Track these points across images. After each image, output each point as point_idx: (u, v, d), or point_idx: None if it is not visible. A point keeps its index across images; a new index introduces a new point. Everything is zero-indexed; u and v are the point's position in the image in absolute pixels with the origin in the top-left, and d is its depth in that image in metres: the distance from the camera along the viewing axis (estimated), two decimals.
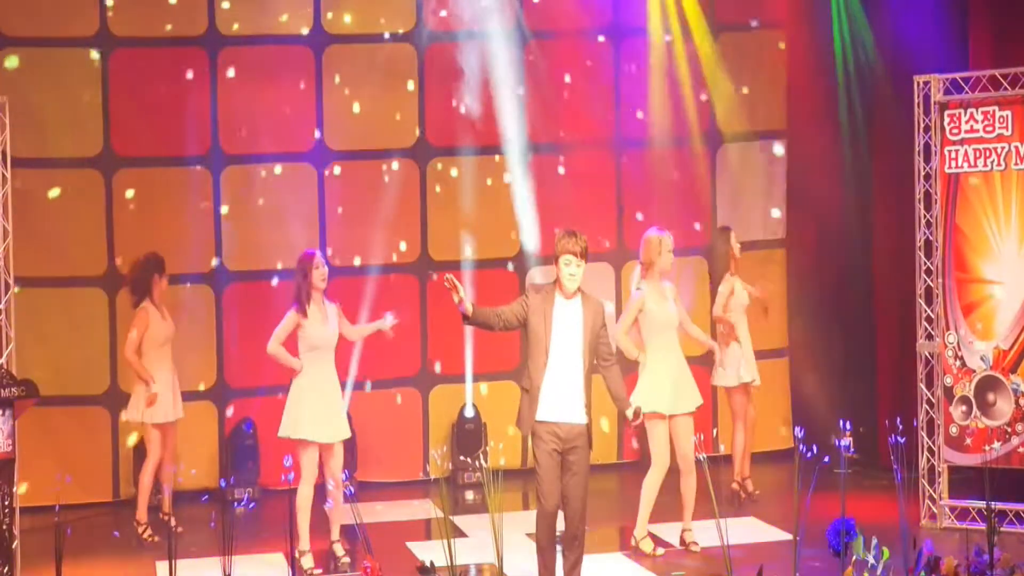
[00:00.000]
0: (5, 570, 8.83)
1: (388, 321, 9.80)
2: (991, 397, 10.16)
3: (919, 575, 8.21)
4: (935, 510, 10.37)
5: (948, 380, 10.33)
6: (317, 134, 12.46)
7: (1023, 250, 10.07)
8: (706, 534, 9.61)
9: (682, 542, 9.93)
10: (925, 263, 10.48)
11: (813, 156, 12.83)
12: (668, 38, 12.91)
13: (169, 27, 12.09)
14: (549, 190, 12.72)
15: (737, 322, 11.29)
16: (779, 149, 13.21)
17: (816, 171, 12.78)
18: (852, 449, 8.51)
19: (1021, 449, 10.00)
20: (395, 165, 12.59)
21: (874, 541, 8.15)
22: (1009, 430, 10.05)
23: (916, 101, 10.48)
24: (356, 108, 12.53)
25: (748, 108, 13.12)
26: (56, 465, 11.31)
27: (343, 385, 9.83)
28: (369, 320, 10.86)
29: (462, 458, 12.33)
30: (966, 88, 10.32)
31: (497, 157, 12.71)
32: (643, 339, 9.85)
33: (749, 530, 10.27)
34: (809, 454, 8.11)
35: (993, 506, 8.72)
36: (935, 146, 10.42)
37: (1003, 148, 10.15)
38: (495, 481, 8.40)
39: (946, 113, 10.36)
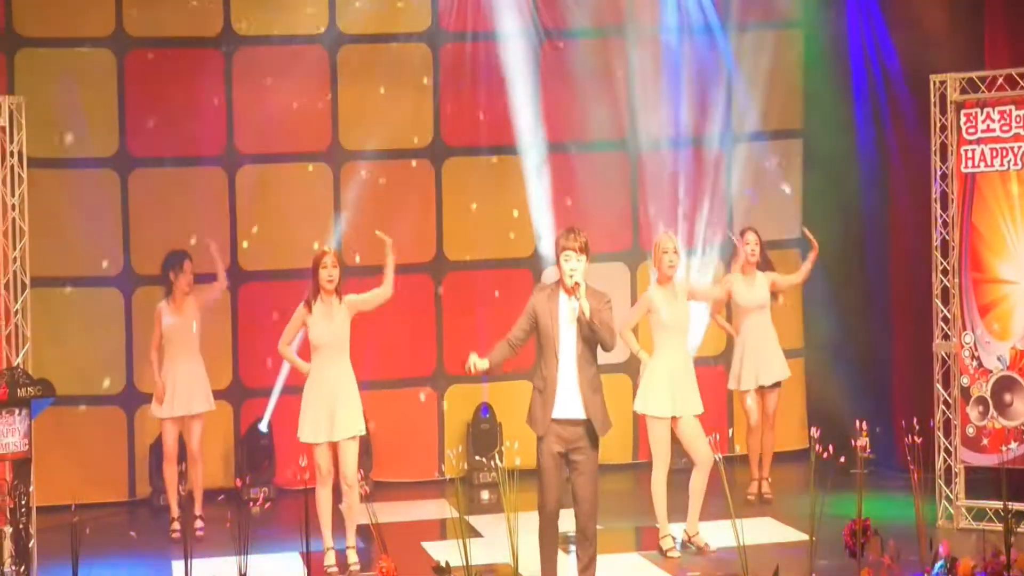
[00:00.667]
0: (22, 569, 8.86)
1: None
2: (1008, 397, 10.13)
3: None
4: (952, 511, 10.34)
5: (965, 380, 10.30)
6: (332, 134, 12.46)
7: None
8: (722, 534, 9.59)
9: (687, 542, 9.90)
10: (942, 263, 10.46)
11: (829, 156, 12.81)
12: (684, 37, 12.90)
13: (180, 27, 12.13)
14: (564, 190, 12.71)
15: (748, 322, 11.28)
16: (795, 148, 13.19)
17: (832, 171, 12.76)
18: (868, 449, 8.47)
19: None
20: (413, 163, 12.60)
21: (890, 542, 8.12)
22: None
23: (932, 100, 10.45)
24: (371, 108, 12.53)
25: (764, 107, 13.10)
26: (72, 465, 11.36)
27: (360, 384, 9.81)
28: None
29: (477, 458, 12.33)
30: (983, 87, 10.29)
31: (512, 157, 12.71)
32: (654, 336, 9.90)
33: (765, 530, 10.25)
34: (825, 454, 8.10)
35: (1010, 507, 8.69)
36: (951, 145, 10.39)
37: (1020, 147, 10.11)
38: (511, 481, 8.40)
39: (962, 112, 10.33)
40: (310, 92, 12.42)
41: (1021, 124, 10.10)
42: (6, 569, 8.91)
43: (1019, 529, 9.06)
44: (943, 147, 10.46)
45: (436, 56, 12.65)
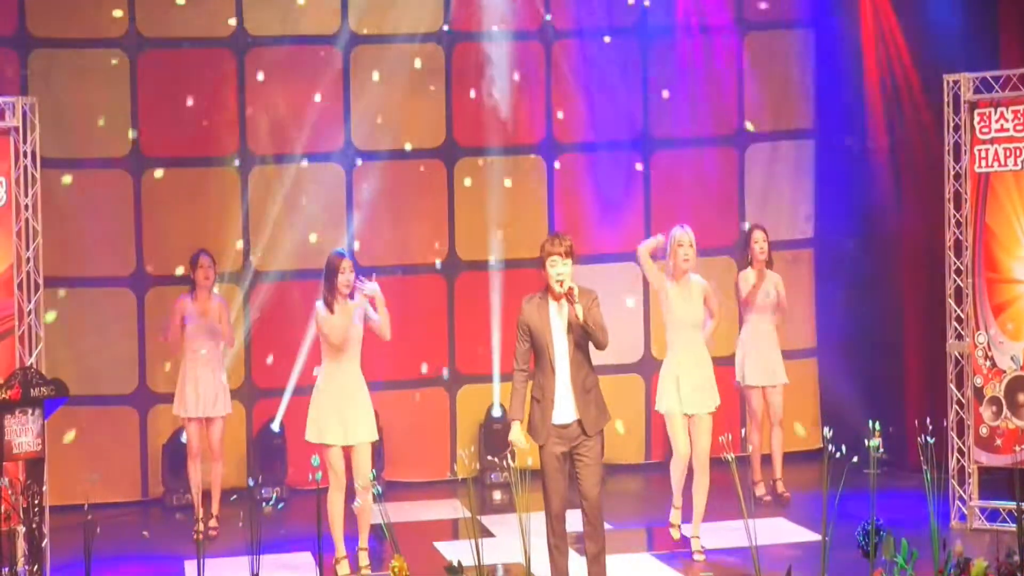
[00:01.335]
0: (35, 568, 8.87)
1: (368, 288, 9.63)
2: (1021, 398, 10.10)
3: None
4: (965, 511, 10.32)
5: (978, 380, 10.28)
6: (345, 134, 12.47)
7: None
8: (735, 534, 9.58)
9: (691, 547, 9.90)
10: (955, 263, 10.43)
11: (842, 155, 12.79)
12: (695, 36, 12.90)
13: (193, 27, 12.15)
14: (577, 190, 12.71)
15: (753, 319, 11.28)
16: (807, 149, 13.17)
17: (844, 170, 12.74)
18: (881, 449, 8.46)
19: None
20: (421, 168, 12.62)
21: (903, 542, 8.11)
22: None
23: (946, 100, 10.43)
24: (384, 108, 12.53)
25: (776, 107, 13.09)
26: (85, 464, 11.38)
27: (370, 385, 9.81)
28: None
29: (489, 458, 12.33)
30: (996, 87, 10.27)
31: (525, 157, 12.70)
32: (666, 336, 9.90)
33: (778, 530, 10.23)
34: (838, 454, 8.09)
35: None
36: (965, 145, 10.37)
37: None
38: (523, 481, 8.40)
39: (976, 112, 10.31)
40: (323, 92, 12.42)
41: None
42: (19, 568, 8.93)
43: None
44: (956, 147, 10.43)
45: (448, 56, 12.64)
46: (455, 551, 9.38)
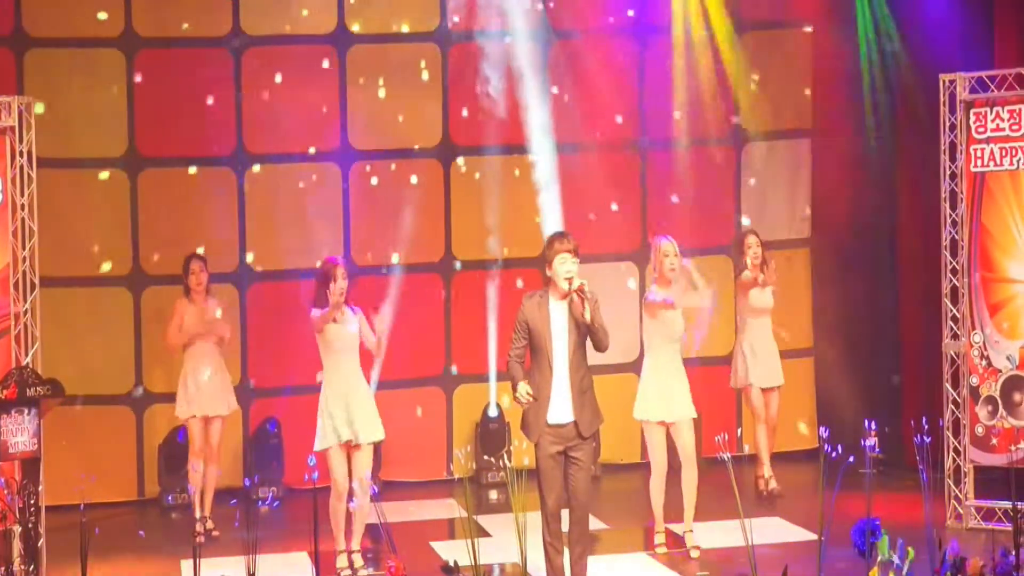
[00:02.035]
0: (31, 568, 8.87)
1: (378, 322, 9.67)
2: (1017, 397, 10.11)
3: None
4: (961, 510, 10.32)
5: (974, 380, 10.29)
6: (341, 134, 12.47)
7: None
8: (730, 534, 9.58)
9: (684, 544, 9.91)
10: (951, 262, 10.44)
11: (838, 155, 12.79)
12: (693, 36, 12.89)
13: (189, 26, 12.14)
14: (574, 189, 12.70)
15: (752, 323, 11.31)
16: (804, 148, 13.18)
17: (841, 170, 12.74)
18: (877, 449, 8.47)
19: None
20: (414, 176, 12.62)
21: (899, 541, 8.11)
22: None
23: (942, 99, 10.43)
24: (380, 108, 12.53)
25: (773, 107, 13.09)
26: (81, 464, 11.36)
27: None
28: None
29: (486, 457, 12.34)
30: (992, 86, 10.27)
31: (521, 156, 12.70)
32: (645, 343, 9.92)
33: (774, 530, 10.24)
34: (834, 454, 8.09)
35: (1020, 507, 8.66)
36: (961, 145, 10.37)
37: None
38: (519, 481, 8.40)
39: (972, 111, 10.31)
40: (319, 92, 12.42)
41: None
42: (15, 568, 8.93)
43: None
44: (952, 146, 10.44)
45: (445, 56, 12.64)
46: (451, 551, 9.39)
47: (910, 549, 8.11)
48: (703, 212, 12.74)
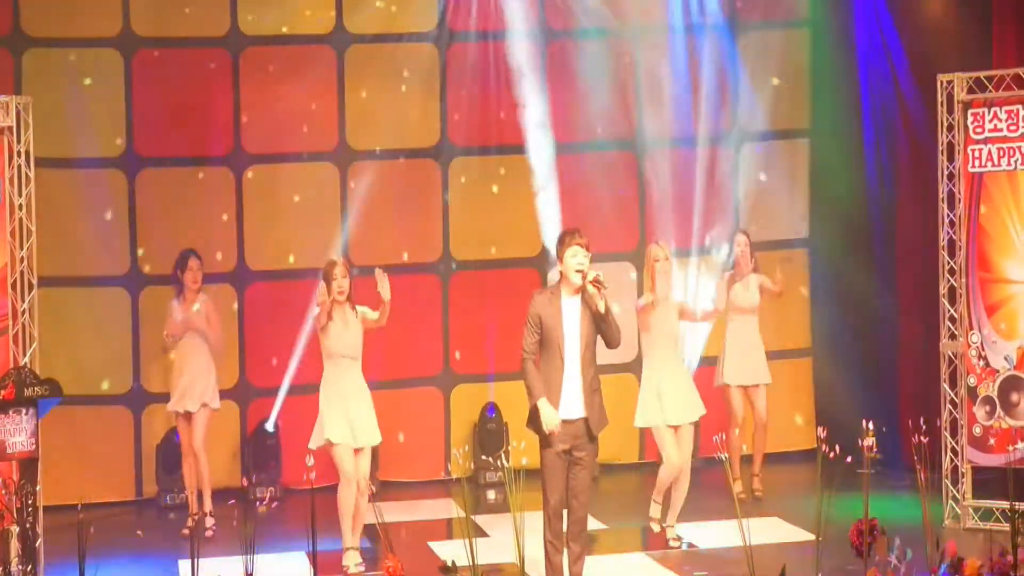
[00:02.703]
0: (29, 568, 8.86)
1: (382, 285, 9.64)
2: (1015, 397, 10.11)
3: None
4: (958, 511, 10.33)
5: (972, 380, 10.29)
6: (339, 134, 12.47)
7: None
8: (728, 534, 9.59)
9: (665, 536, 10.01)
10: (948, 262, 10.44)
11: (836, 155, 12.80)
12: (690, 36, 12.90)
13: (188, 27, 12.14)
14: (572, 190, 12.70)
15: (736, 322, 11.31)
16: (802, 148, 13.18)
17: (839, 170, 12.75)
18: (875, 449, 8.47)
19: None
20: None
21: (897, 541, 8.12)
22: None
23: (940, 100, 10.44)
24: (378, 108, 12.53)
25: (771, 107, 13.09)
26: (79, 464, 11.37)
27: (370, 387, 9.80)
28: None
29: (484, 457, 12.33)
30: (990, 87, 10.28)
31: (519, 157, 12.70)
32: (643, 350, 9.99)
33: (772, 530, 10.24)
34: (832, 454, 8.10)
35: (1017, 507, 8.68)
36: (959, 145, 10.38)
37: None
38: (517, 481, 8.40)
39: (970, 112, 10.32)
40: (317, 92, 12.42)
41: None
42: (13, 568, 8.92)
43: None
44: (950, 146, 10.44)
45: (443, 56, 12.64)
46: (449, 551, 9.39)
47: (908, 549, 8.12)
48: (701, 212, 12.73)
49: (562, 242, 8.29)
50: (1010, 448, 9.93)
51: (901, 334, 12.37)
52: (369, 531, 9.87)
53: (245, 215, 12.31)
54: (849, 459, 8.19)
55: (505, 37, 12.59)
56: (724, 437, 10.51)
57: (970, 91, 10.34)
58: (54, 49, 11.91)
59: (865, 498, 8.21)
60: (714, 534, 10.15)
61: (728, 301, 11.39)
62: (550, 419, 8.13)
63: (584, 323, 8.22)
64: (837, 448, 8.11)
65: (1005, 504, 9.30)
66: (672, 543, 9.93)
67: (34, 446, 8.98)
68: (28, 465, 8.97)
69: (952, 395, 10.41)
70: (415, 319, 12.48)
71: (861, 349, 12.65)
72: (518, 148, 12.64)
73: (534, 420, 8.28)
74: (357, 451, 9.50)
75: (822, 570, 8.29)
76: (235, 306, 12.22)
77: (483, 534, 10.20)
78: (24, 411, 8.92)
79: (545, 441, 8.22)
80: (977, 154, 10.30)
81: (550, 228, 12.61)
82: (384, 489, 11.90)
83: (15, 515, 8.81)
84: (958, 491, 10.34)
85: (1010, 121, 10.16)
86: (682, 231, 11.71)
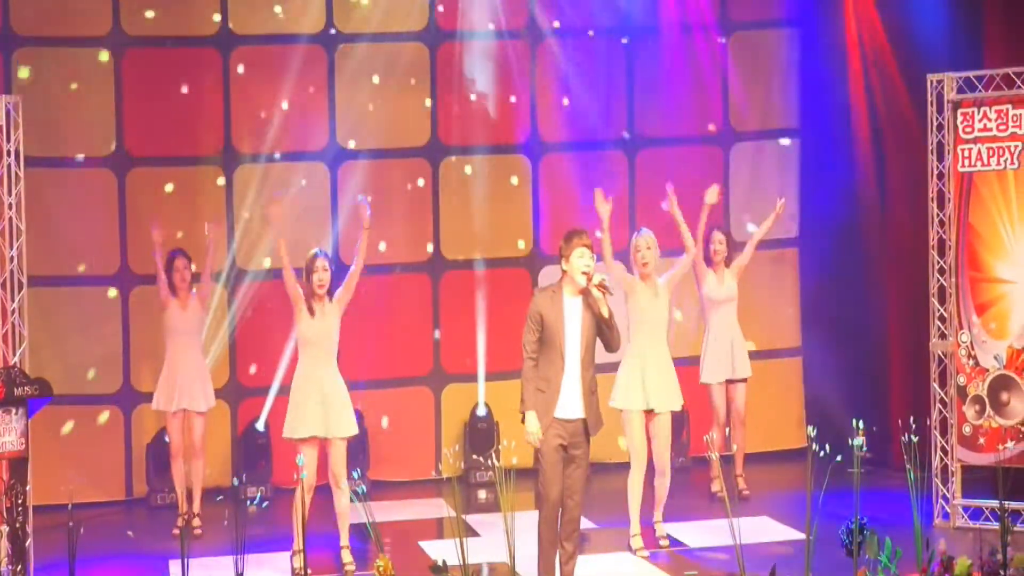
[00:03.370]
0: (19, 568, 8.84)
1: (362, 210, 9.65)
2: (1004, 396, 10.12)
3: (932, 575, 8.19)
4: (948, 510, 10.34)
5: (961, 379, 10.30)
6: (329, 133, 12.45)
7: None
8: (719, 533, 9.59)
9: (654, 535, 9.97)
10: (938, 262, 10.45)
11: (826, 155, 12.81)
12: (680, 35, 12.91)
13: (177, 25, 12.12)
14: (561, 189, 12.71)
15: (715, 316, 11.30)
16: (791, 147, 13.19)
17: (829, 170, 12.76)
18: (865, 448, 8.48)
19: None
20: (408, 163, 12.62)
21: (887, 541, 8.13)
22: (1023, 429, 10.02)
23: (929, 99, 10.45)
24: (369, 107, 12.52)
25: (761, 106, 13.10)
26: (69, 464, 11.35)
27: (349, 383, 9.77)
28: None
29: (475, 457, 12.33)
30: (980, 86, 10.29)
31: (510, 156, 12.70)
32: (629, 332, 9.87)
33: (762, 530, 10.25)
34: (822, 453, 8.10)
35: (1007, 505, 8.70)
36: (948, 145, 10.38)
37: (1016, 147, 10.11)
38: (508, 480, 8.40)
39: (959, 111, 10.33)
40: (307, 91, 12.40)
41: (1018, 123, 10.09)
42: (2, 568, 8.90)
43: (1016, 528, 9.08)
44: (940, 146, 10.45)
45: (433, 55, 12.63)
46: (440, 550, 9.38)
47: (898, 549, 8.13)
48: (690, 212, 12.71)
49: (568, 241, 8.29)
50: (1000, 447, 9.94)
51: (891, 333, 12.39)
52: (359, 530, 9.85)
53: (236, 215, 12.27)
54: (839, 458, 8.19)
55: (495, 36, 12.59)
56: (715, 437, 10.51)
57: (960, 91, 10.35)
58: (44, 48, 11.88)
59: (855, 497, 8.22)
60: (704, 533, 10.15)
61: (703, 297, 11.38)
62: (534, 433, 8.18)
63: (585, 324, 8.23)
64: (827, 447, 8.12)
65: (995, 503, 9.33)
66: (662, 543, 9.89)
67: (24, 446, 8.96)
68: (18, 465, 8.95)
69: (942, 394, 10.42)
70: (405, 318, 12.47)
71: (851, 348, 12.66)
72: (508, 147, 12.63)
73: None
74: (328, 442, 9.45)
75: (812, 570, 8.29)
76: (226, 306, 12.18)
77: (474, 534, 10.19)
78: (14, 410, 8.90)
79: (541, 438, 8.23)
80: (967, 154, 10.31)
81: (540, 228, 12.62)
82: (374, 489, 11.89)
83: (5, 515, 8.79)
84: (948, 490, 10.35)
85: (1000, 121, 10.17)
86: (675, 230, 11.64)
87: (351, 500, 9.54)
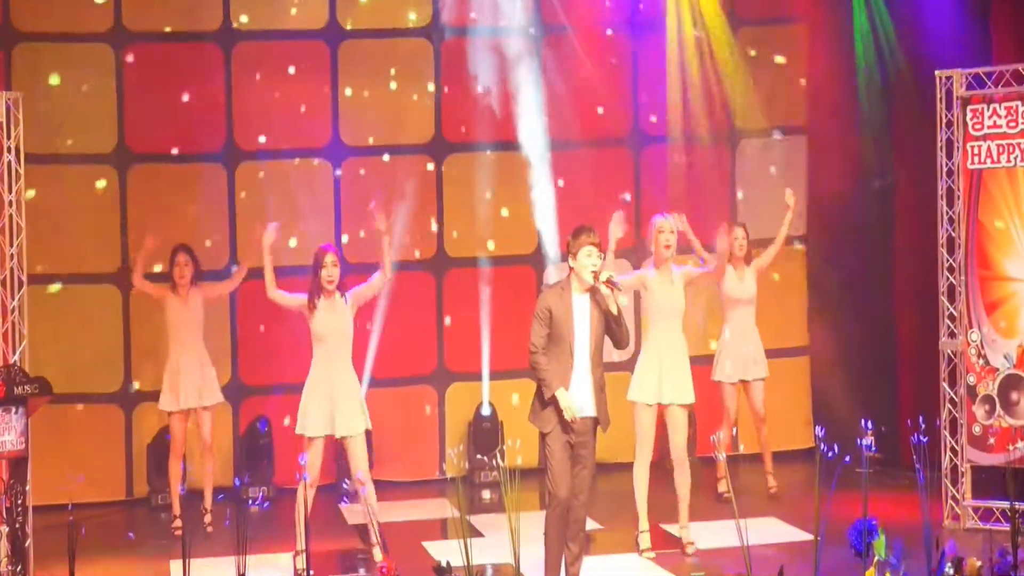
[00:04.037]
0: (18, 569, 8.81)
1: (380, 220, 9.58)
2: (1015, 396, 10.06)
3: None
4: (958, 510, 10.27)
5: (971, 379, 10.23)
6: (333, 130, 12.40)
7: None
8: (726, 534, 9.52)
9: (681, 542, 9.83)
10: (948, 260, 10.38)
11: (834, 152, 12.74)
12: (687, 32, 12.84)
13: (178, 21, 12.07)
14: (567, 186, 12.65)
15: (734, 314, 11.22)
16: (799, 145, 13.12)
17: (837, 167, 12.70)
18: (874, 448, 8.41)
19: None
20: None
21: (896, 541, 8.06)
22: None
23: (938, 96, 10.38)
24: (372, 104, 12.47)
25: (768, 103, 13.04)
26: (69, 463, 11.28)
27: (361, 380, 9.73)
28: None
29: (479, 457, 12.27)
30: (989, 83, 10.22)
31: (514, 153, 12.64)
32: (647, 326, 9.82)
33: (770, 530, 10.18)
34: (831, 453, 8.04)
35: (1017, 506, 8.61)
36: (957, 142, 10.32)
37: None
38: (512, 480, 8.34)
39: (969, 108, 10.25)
40: (310, 87, 12.35)
41: None
42: (2, 569, 8.86)
43: None
44: (949, 143, 10.38)
45: (437, 51, 12.58)
46: (444, 551, 9.31)
47: (907, 550, 8.05)
48: (697, 209, 12.65)
49: (576, 238, 8.26)
50: (1010, 447, 9.89)
51: (900, 332, 12.33)
52: (362, 531, 9.79)
53: (238, 211, 12.22)
54: (848, 458, 8.12)
55: (500, 32, 12.53)
56: (722, 437, 10.44)
57: (969, 87, 10.28)
58: (44, 44, 11.82)
59: (864, 498, 8.15)
60: (711, 534, 10.08)
61: (723, 294, 11.32)
62: (572, 407, 8.11)
63: (594, 321, 8.21)
64: (836, 447, 8.05)
65: (1005, 504, 9.24)
66: (688, 548, 9.70)
67: (23, 445, 8.92)
68: (18, 464, 8.91)
69: (951, 394, 10.35)
70: (410, 317, 12.41)
71: (860, 347, 12.60)
72: (512, 144, 12.58)
73: (537, 414, 8.24)
74: (344, 440, 9.39)
75: (820, 570, 8.22)
76: (228, 304, 12.12)
77: (478, 534, 10.14)
78: (14, 409, 8.86)
79: (549, 435, 8.18)
80: (976, 151, 10.24)
81: (545, 225, 12.55)
82: (378, 489, 11.77)
83: (4, 515, 8.75)
84: (958, 491, 10.28)
85: (1009, 117, 10.10)
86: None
87: (349, 501, 9.49)
